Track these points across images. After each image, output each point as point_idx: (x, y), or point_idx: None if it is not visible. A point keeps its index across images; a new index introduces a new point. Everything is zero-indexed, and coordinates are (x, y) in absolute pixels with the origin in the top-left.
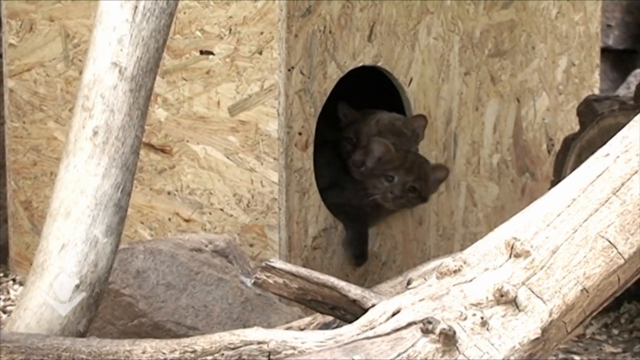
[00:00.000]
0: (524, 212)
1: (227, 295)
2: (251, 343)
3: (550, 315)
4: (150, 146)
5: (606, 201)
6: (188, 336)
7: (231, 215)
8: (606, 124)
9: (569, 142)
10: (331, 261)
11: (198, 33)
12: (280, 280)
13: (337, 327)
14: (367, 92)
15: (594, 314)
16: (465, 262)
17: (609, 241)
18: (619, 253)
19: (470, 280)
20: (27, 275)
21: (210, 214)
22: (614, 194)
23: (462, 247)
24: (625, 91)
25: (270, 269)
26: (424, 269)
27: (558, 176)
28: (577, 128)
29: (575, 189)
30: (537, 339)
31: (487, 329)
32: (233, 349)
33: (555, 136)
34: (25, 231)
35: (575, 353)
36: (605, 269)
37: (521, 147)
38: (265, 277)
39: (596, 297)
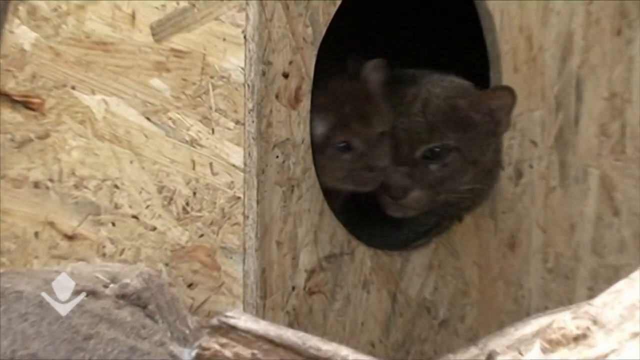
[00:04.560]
0: None
1: None
2: None
3: None
4: (5, 96)
5: None
6: None
7: (154, 229)
8: None
9: None
10: (342, 316)
11: None
12: (247, 353)
13: None
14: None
15: None
16: (595, 322)
17: None
18: None
19: (606, 356)
20: None
21: (113, 224)
22: None
23: (590, 294)
24: None
25: (227, 330)
26: (518, 333)
27: None
28: None
29: None
30: None
31: None
32: None
33: None
34: None
35: None
36: None
37: None
38: (218, 347)
39: None
